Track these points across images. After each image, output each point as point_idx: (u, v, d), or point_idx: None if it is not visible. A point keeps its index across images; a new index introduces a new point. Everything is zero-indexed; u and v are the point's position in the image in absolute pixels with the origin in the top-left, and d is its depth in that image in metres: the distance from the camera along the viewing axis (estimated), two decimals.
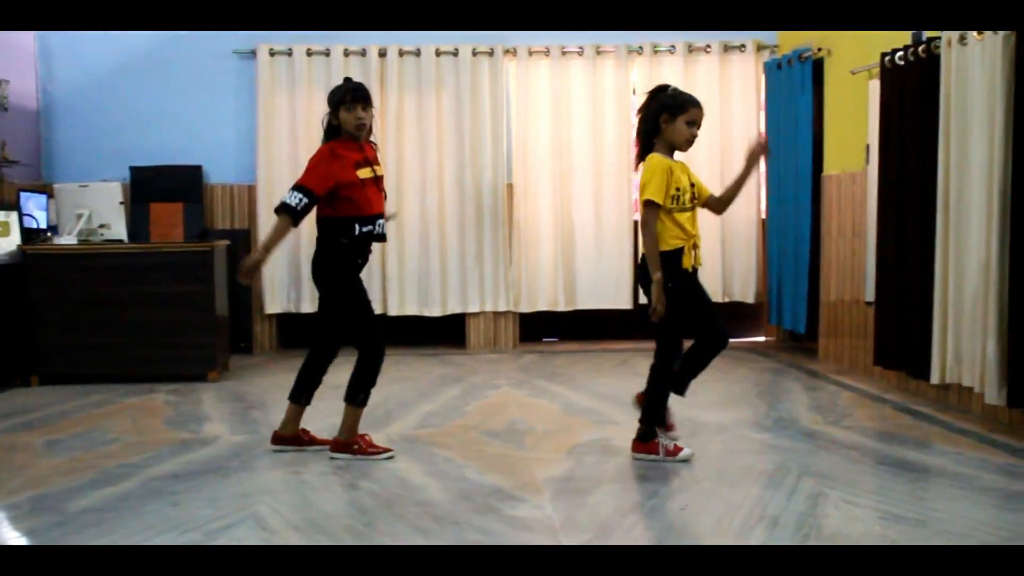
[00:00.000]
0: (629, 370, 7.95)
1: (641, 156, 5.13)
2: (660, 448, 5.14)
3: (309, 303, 9.10)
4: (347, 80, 5.24)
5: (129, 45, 9.03)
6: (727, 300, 9.53)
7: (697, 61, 9.32)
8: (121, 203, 7.64)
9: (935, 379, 6.27)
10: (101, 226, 7.58)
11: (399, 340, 9.39)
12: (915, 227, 6.52)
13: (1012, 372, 5.55)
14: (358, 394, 5.20)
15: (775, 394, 7.00)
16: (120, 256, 7.46)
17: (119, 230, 7.60)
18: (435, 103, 9.08)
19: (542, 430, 5.92)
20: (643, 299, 9.23)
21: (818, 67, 8.47)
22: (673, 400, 6.78)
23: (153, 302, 7.43)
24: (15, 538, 4.03)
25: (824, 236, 8.34)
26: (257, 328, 9.17)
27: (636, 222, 9.37)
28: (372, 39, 9.03)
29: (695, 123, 5.03)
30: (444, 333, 9.47)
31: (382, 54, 9.03)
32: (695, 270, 5.10)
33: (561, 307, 9.30)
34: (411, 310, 9.16)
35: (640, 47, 9.22)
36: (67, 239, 7.48)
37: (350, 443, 5.23)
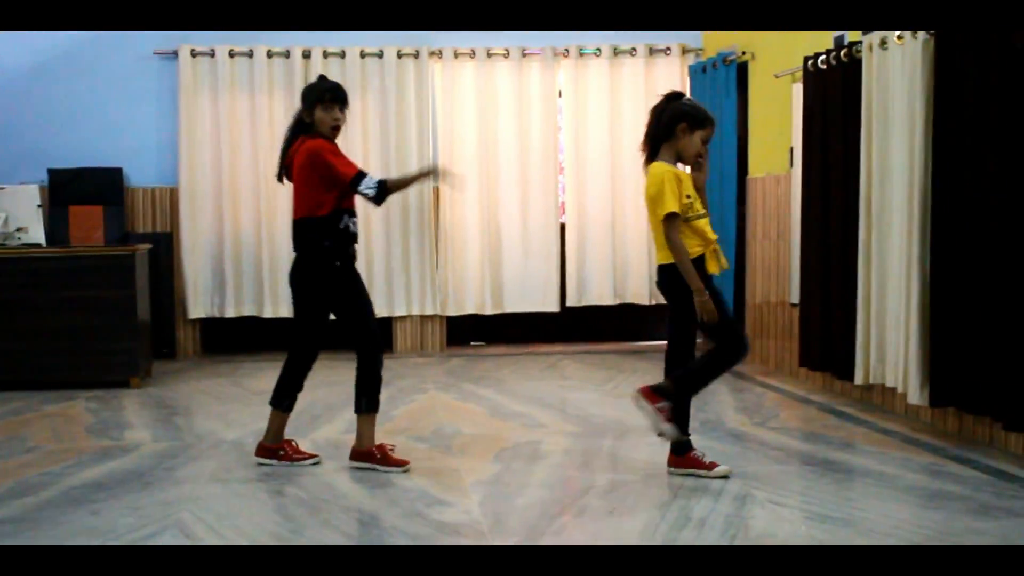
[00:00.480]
0: (557, 373, 7.97)
1: (649, 160, 4.98)
2: (697, 461, 4.93)
3: (233, 308, 9.01)
4: (323, 79, 5.15)
5: (46, 45, 8.87)
6: (653, 303, 9.57)
7: (622, 64, 9.36)
8: (39, 206, 7.51)
9: (859, 380, 6.36)
10: (18, 229, 7.44)
11: (325, 344, 9.29)
12: (838, 229, 6.61)
13: (933, 372, 5.64)
14: (361, 400, 5.04)
15: (701, 396, 6.96)
16: (38, 260, 7.33)
17: (37, 234, 7.47)
18: (360, 106, 9.02)
19: (470, 434, 5.91)
20: (580, 302, 9.25)
21: (742, 70, 8.56)
22: (605, 403, 6.81)
23: (73, 307, 7.30)
24: None
25: (749, 238, 8.42)
26: (180, 333, 9.06)
27: (563, 225, 9.41)
28: (296, 40, 8.96)
29: (707, 141, 4.93)
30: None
31: (306, 55, 8.97)
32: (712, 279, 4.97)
33: (488, 310, 9.30)
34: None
35: (566, 49, 9.25)
36: None
37: (367, 452, 5.03)
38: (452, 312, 9.31)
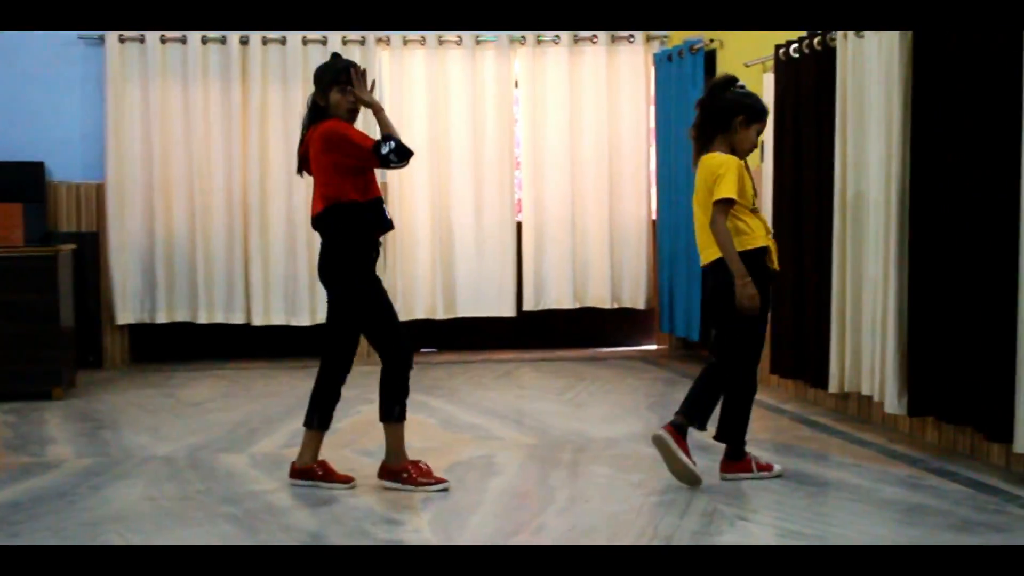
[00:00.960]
0: (513, 382, 7.98)
1: (700, 152, 5.06)
2: (753, 464, 5.07)
3: (165, 313, 8.93)
4: (337, 57, 5.07)
5: None
6: (616, 307, 9.60)
7: (583, 52, 9.38)
8: None
9: (833, 388, 6.40)
10: None
11: (264, 352, 9.28)
12: (811, 228, 6.66)
13: (912, 380, 5.69)
14: (393, 408, 4.99)
15: (667, 406, 7.06)
16: None
17: None
18: (302, 96, 8.95)
19: (419, 447, 5.89)
20: (538, 306, 9.26)
21: (710, 59, 8.59)
22: (564, 413, 6.83)
23: None
24: None
25: None
26: (107, 340, 8.98)
27: (520, 223, 9.41)
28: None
29: (760, 134, 5.07)
30: (313, 344, 9.35)
31: (243, 42, 8.91)
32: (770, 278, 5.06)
33: (439, 315, 9.28)
34: (277, 319, 9.05)
35: (523, 36, 9.25)
36: None
37: (398, 470, 4.98)
38: (400, 317, 9.25)
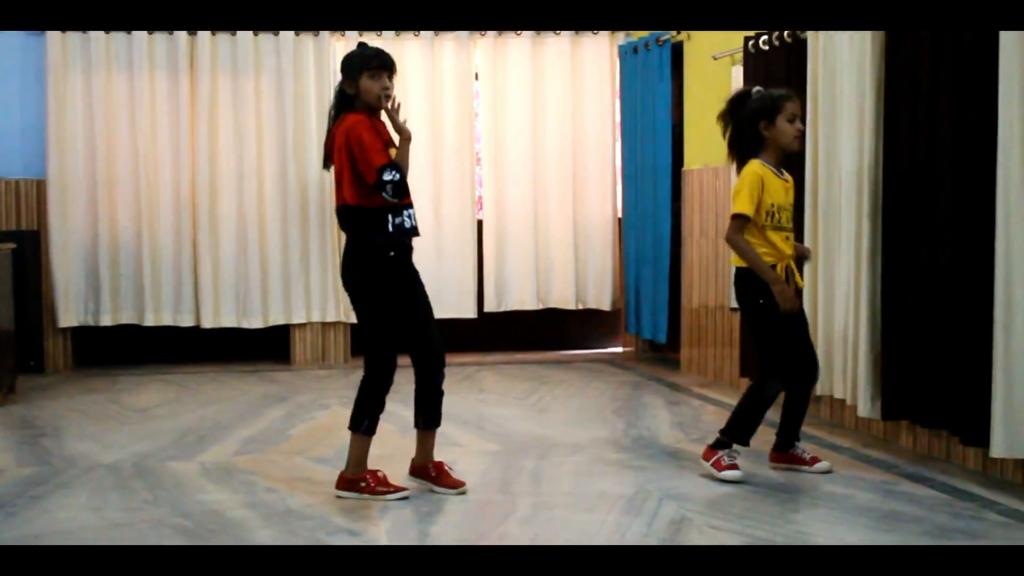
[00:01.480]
0: (474, 386, 7.97)
1: (740, 165, 5.24)
2: (718, 458, 5.23)
3: (109, 315, 8.88)
4: (364, 46, 4.99)
5: None
6: (580, 307, 9.62)
7: (546, 44, 9.39)
8: None
9: None
10: None
11: (214, 356, 9.24)
12: None
13: (885, 383, 5.73)
14: (362, 419, 4.95)
15: (634, 410, 7.09)
16: None
17: None
18: (253, 87, 8.95)
19: (377, 455, 5.86)
20: (499, 307, 9.27)
21: (677, 51, 8.62)
22: (527, 418, 6.83)
23: None
24: None
25: (685, 236, 8.49)
26: (49, 344, 8.91)
27: (480, 221, 9.41)
28: None
29: (796, 118, 5.14)
30: (265, 347, 9.35)
31: (191, 32, 8.87)
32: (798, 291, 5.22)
33: None
34: (228, 321, 9.01)
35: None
36: None
37: (356, 479, 4.97)
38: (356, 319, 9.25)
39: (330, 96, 8.91)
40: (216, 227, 8.93)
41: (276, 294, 9.05)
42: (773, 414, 5.39)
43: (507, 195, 9.41)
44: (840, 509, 4.75)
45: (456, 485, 5.04)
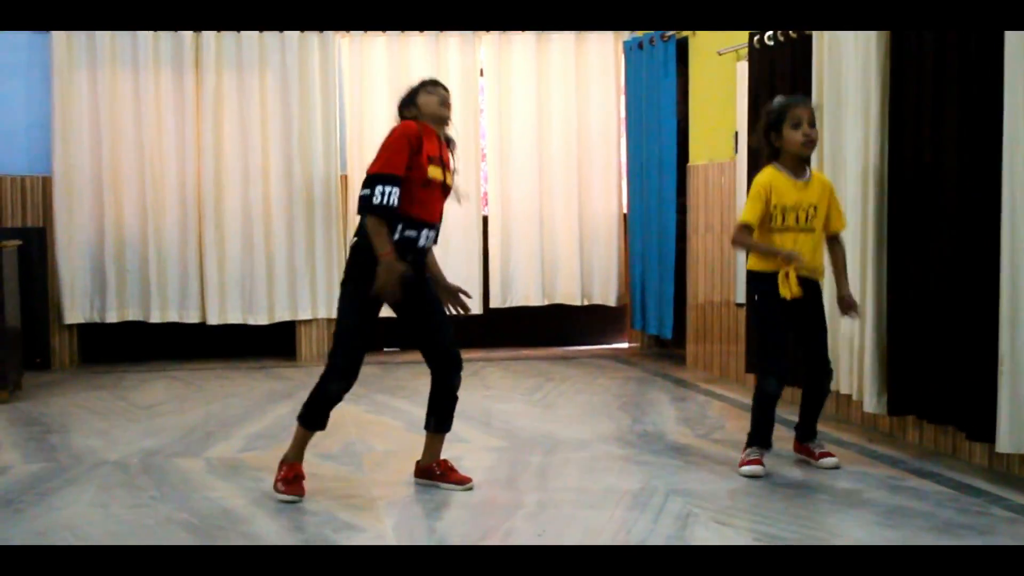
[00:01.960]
0: (479, 382, 7.97)
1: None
2: (743, 455, 5.33)
3: (115, 312, 8.88)
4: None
5: None
6: (586, 303, 9.62)
7: (550, 40, 9.39)
8: None
9: None
10: None
11: (220, 352, 9.25)
12: None
13: (892, 378, 5.72)
14: (303, 411, 4.94)
15: (640, 406, 7.09)
16: None
17: None
18: (258, 84, 8.95)
19: (383, 450, 5.88)
20: (505, 303, 9.26)
21: (682, 47, 8.62)
22: (533, 414, 6.83)
23: None
24: None
25: (690, 232, 8.48)
26: (55, 341, 8.92)
27: (486, 218, 9.41)
28: None
29: (801, 122, 5.14)
30: (272, 343, 9.35)
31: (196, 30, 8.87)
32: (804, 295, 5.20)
33: None
34: (234, 318, 9.02)
35: None
36: None
37: (280, 465, 4.99)
38: None
39: (335, 92, 9.02)
40: (222, 224, 8.94)
41: (282, 290, 9.06)
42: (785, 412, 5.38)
43: (512, 191, 9.41)
44: (846, 504, 4.74)
45: (463, 481, 5.04)
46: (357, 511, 4.70)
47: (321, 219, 9.06)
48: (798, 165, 5.20)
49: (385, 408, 7.01)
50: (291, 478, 4.93)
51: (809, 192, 5.21)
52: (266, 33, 8.91)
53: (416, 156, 4.72)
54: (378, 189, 4.64)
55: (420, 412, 6.76)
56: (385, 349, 9.58)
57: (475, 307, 9.29)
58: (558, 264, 9.52)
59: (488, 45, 9.33)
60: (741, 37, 7.31)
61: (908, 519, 4.47)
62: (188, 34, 8.81)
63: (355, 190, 9.05)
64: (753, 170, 6.99)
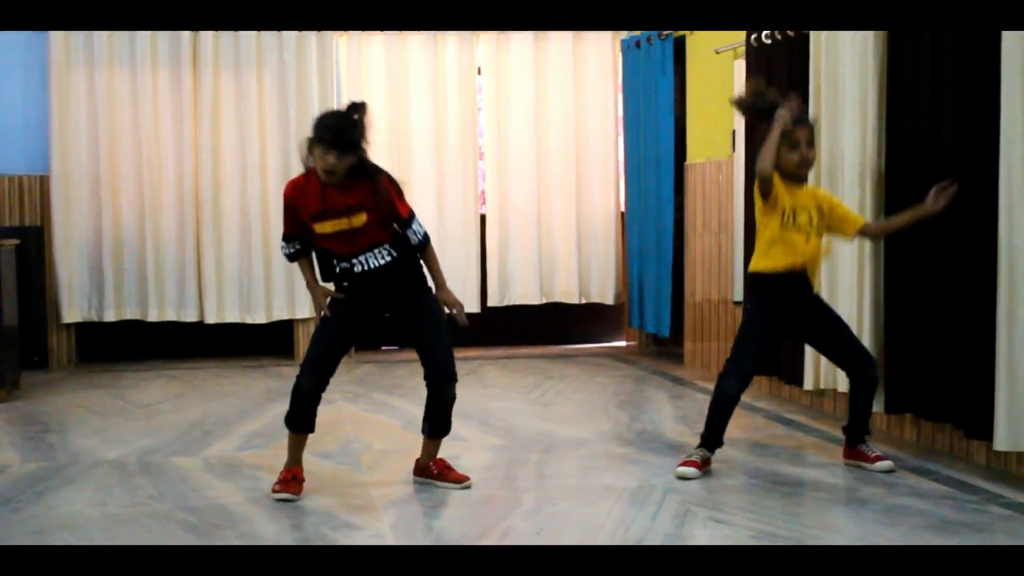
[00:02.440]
0: (478, 380, 7.97)
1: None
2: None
3: (113, 311, 8.88)
4: (325, 116, 5.09)
5: None
6: (583, 302, 9.63)
7: (548, 38, 9.39)
8: None
9: (809, 385, 6.42)
10: None
11: (218, 351, 9.25)
12: None
13: (889, 376, 5.72)
14: (287, 414, 4.98)
15: (638, 404, 7.09)
16: None
17: None
18: (256, 84, 8.95)
19: (381, 449, 5.88)
20: (503, 301, 9.27)
21: (680, 46, 8.62)
22: (531, 413, 6.83)
23: None
24: None
25: (688, 230, 8.49)
26: (53, 340, 8.91)
27: (483, 216, 9.42)
28: None
29: (799, 143, 5.10)
30: (269, 342, 9.35)
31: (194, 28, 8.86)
32: (806, 298, 5.23)
33: None
34: (231, 316, 9.01)
35: None
36: None
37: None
38: None
39: (333, 91, 9.01)
40: (219, 222, 8.93)
41: (279, 289, 9.05)
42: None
43: (510, 190, 9.41)
44: (844, 502, 4.75)
45: (460, 479, 5.05)
46: (355, 510, 4.70)
47: None
48: (793, 180, 5.19)
49: (383, 407, 7.01)
50: (288, 479, 4.94)
51: (808, 196, 5.21)
52: (263, 33, 8.90)
53: (298, 214, 4.89)
54: (282, 245, 5.08)
55: (418, 411, 6.76)
56: (383, 348, 9.58)
57: (473, 306, 9.29)
58: (556, 262, 9.52)
59: (486, 44, 9.33)
60: (738, 36, 7.32)
61: (906, 517, 4.47)
62: (186, 34, 8.81)
63: None
64: (752, 169, 7.02)
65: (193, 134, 8.90)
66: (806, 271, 5.19)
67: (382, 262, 4.88)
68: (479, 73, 9.40)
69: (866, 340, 5.80)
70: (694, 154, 8.46)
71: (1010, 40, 4.79)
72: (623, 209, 9.57)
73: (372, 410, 6.93)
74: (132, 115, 8.83)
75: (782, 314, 5.21)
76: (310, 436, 5.02)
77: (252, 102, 8.95)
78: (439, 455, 5.11)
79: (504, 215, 9.42)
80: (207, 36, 8.83)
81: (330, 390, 5.07)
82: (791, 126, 5.06)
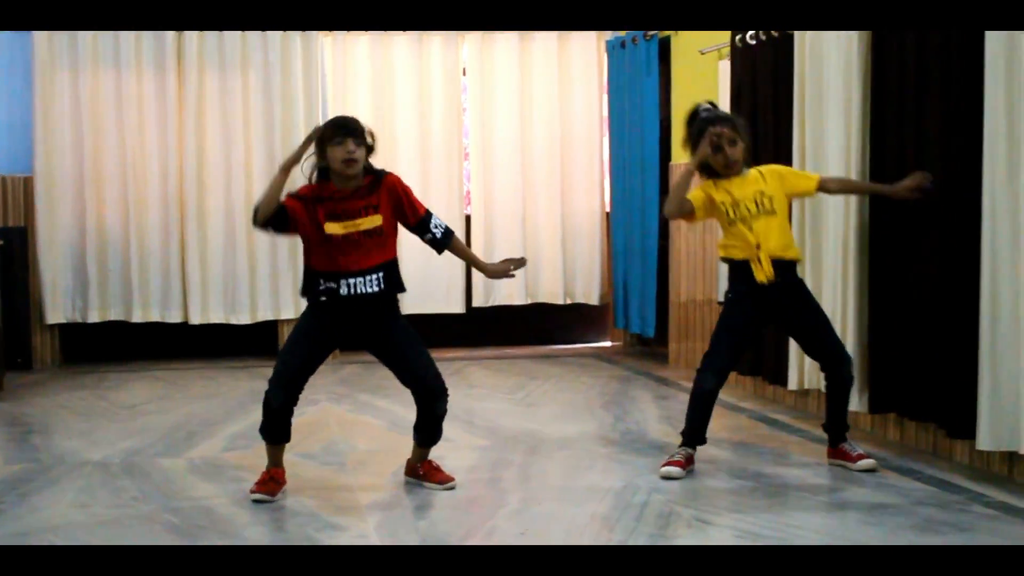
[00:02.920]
0: (463, 381, 7.97)
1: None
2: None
3: (97, 312, 8.85)
4: (330, 119, 5.09)
5: None
6: (568, 302, 9.63)
7: (533, 39, 9.39)
8: None
9: (793, 385, 6.44)
10: None
11: (202, 352, 9.23)
12: None
13: (873, 376, 5.74)
14: (261, 425, 4.98)
15: (622, 404, 7.10)
16: None
17: None
18: (241, 84, 8.93)
19: (365, 450, 5.88)
20: (488, 302, 9.27)
21: (664, 46, 8.63)
22: (516, 413, 6.83)
23: None
24: None
25: (673, 231, 8.49)
26: (36, 340, 8.88)
27: (468, 216, 9.42)
28: None
29: (720, 147, 5.15)
30: (254, 342, 9.33)
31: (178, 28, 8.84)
32: (782, 289, 5.21)
33: None
34: (216, 317, 8.99)
35: None
36: None
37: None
38: None
39: (318, 91, 9.00)
40: (204, 223, 8.92)
41: (264, 289, 9.04)
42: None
43: (495, 190, 9.41)
44: (828, 502, 4.76)
45: (445, 480, 5.05)
46: (340, 510, 4.69)
47: None
48: (731, 175, 5.22)
49: (367, 408, 7.00)
50: (266, 479, 4.94)
51: (749, 183, 5.22)
52: (248, 32, 8.89)
53: (302, 219, 4.95)
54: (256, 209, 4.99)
55: (402, 411, 6.80)
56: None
57: (458, 306, 9.29)
58: (541, 263, 9.52)
59: (471, 44, 9.33)
60: (723, 36, 7.33)
61: (889, 516, 4.48)
62: (170, 34, 8.78)
63: None
64: None
65: (178, 134, 8.88)
66: (772, 257, 5.16)
67: (370, 290, 4.88)
68: (464, 73, 9.39)
69: (849, 340, 5.82)
70: (679, 154, 8.46)
71: (993, 40, 4.81)
72: (608, 209, 9.58)
73: (357, 411, 6.92)
74: (116, 115, 8.81)
75: (759, 300, 5.20)
76: (295, 438, 5.02)
77: (237, 102, 8.93)
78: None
79: (489, 215, 9.42)
80: (192, 36, 8.81)
81: (315, 391, 5.08)
82: (695, 167, 5.20)
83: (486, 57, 9.36)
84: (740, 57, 7.04)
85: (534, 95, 9.42)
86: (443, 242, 5.00)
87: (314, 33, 9.00)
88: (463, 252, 5.14)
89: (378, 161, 4.83)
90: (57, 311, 8.84)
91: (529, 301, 9.54)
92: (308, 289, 4.97)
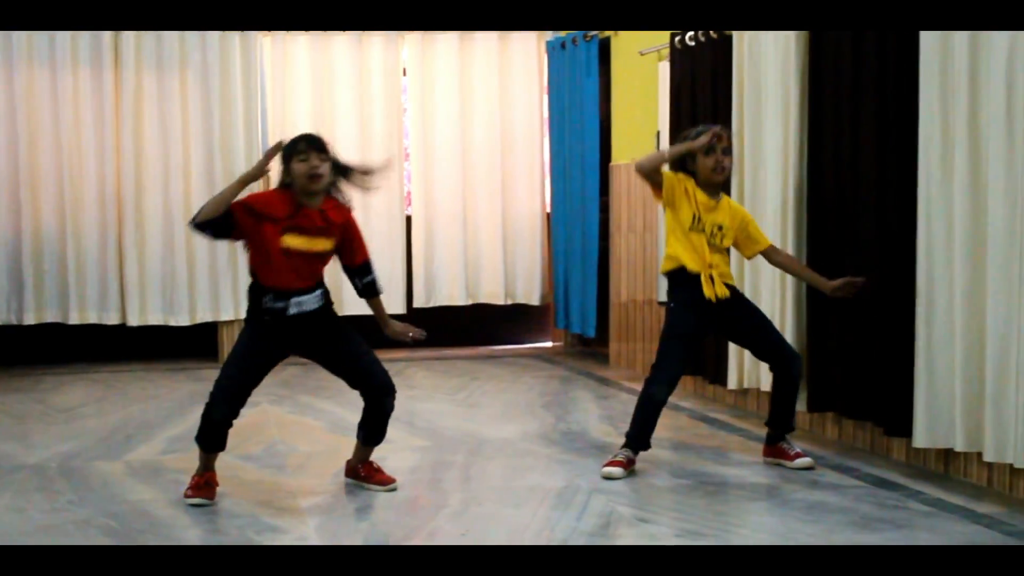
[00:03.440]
0: (404, 382, 7.94)
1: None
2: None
3: (33, 314, 8.73)
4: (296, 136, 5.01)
5: None
6: (509, 303, 9.63)
7: (473, 39, 9.38)
8: None
9: (732, 384, 6.48)
10: None
11: (140, 354, 9.14)
12: None
13: (811, 375, 5.78)
14: (197, 434, 4.94)
15: (563, 404, 7.11)
16: None
17: None
18: (179, 83, 8.85)
19: (306, 451, 5.85)
20: (428, 302, 9.25)
21: (604, 47, 8.66)
22: (457, 414, 6.82)
23: None
24: None
25: (613, 231, 8.52)
26: None
27: (409, 217, 9.40)
28: None
29: (714, 149, 5.19)
30: (193, 344, 9.25)
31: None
32: (723, 301, 5.23)
33: None
34: (154, 319, 8.91)
35: None
36: None
37: (193, 476, 5.01)
38: None
39: (257, 91, 8.94)
40: (142, 224, 8.83)
41: (203, 291, 8.97)
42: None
43: (436, 191, 9.40)
44: (767, 500, 4.79)
45: (387, 482, 5.04)
46: (280, 512, 4.67)
47: None
48: (710, 189, 5.26)
49: (308, 409, 6.97)
50: (202, 484, 4.90)
51: (718, 212, 5.26)
52: (186, 32, 8.81)
53: (258, 225, 4.91)
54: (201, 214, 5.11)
55: (343, 413, 6.78)
56: None
57: (399, 307, 9.27)
58: (482, 263, 9.52)
59: (411, 45, 9.31)
60: (662, 37, 7.36)
61: (828, 514, 4.52)
62: (107, 33, 8.69)
63: None
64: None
65: (115, 134, 8.79)
66: (714, 276, 5.22)
67: (315, 307, 4.92)
68: (404, 74, 9.37)
69: (788, 340, 5.86)
70: (619, 155, 8.50)
71: (928, 40, 4.87)
72: (549, 210, 9.59)
73: (297, 412, 6.89)
74: (52, 115, 8.70)
75: (703, 311, 5.24)
76: (235, 440, 5.00)
77: (175, 102, 8.85)
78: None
79: (430, 216, 9.41)
80: (129, 36, 8.72)
81: (255, 393, 5.05)
82: (676, 156, 5.28)
83: (426, 57, 9.35)
84: (679, 58, 7.08)
85: (475, 96, 9.41)
86: (372, 292, 5.08)
87: (253, 33, 8.94)
88: (379, 305, 5.13)
89: None
90: None
91: (470, 302, 9.54)
92: (252, 306, 4.98)
